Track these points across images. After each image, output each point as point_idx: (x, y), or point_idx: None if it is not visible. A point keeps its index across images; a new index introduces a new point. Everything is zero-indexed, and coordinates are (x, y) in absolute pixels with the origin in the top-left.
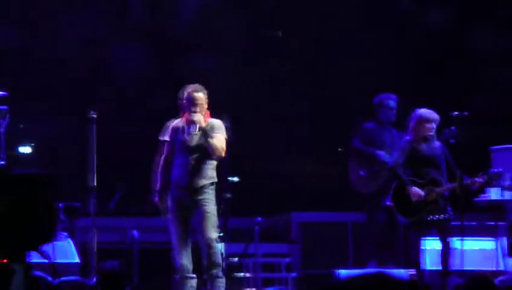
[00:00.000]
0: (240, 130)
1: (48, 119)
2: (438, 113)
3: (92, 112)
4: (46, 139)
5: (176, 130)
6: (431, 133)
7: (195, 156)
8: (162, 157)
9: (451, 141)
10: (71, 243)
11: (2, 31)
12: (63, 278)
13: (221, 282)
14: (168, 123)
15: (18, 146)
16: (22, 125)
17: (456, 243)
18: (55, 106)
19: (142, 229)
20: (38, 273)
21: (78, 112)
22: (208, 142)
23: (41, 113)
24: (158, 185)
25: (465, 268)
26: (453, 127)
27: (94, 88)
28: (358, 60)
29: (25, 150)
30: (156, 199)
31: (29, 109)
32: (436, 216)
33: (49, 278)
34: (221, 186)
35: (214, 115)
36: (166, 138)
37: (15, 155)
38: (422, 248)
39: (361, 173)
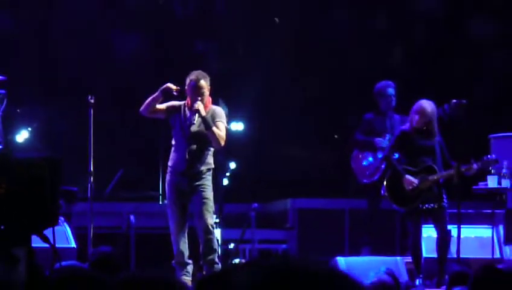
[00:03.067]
0: (239, 116)
1: (46, 103)
2: (437, 101)
3: (89, 97)
4: (44, 124)
5: (178, 110)
6: (428, 125)
7: (194, 142)
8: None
9: (445, 118)
10: (68, 227)
11: None
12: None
13: (218, 268)
14: (176, 101)
15: (15, 130)
16: (19, 110)
17: (452, 230)
18: (53, 91)
19: (139, 214)
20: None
21: (76, 96)
22: (208, 131)
23: (39, 98)
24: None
25: (461, 256)
26: (446, 105)
27: (92, 72)
28: (359, 47)
29: (23, 134)
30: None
31: (27, 93)
32: (431, 205)
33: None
34: (218, 172)
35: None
36: (164, 105)
37: (13, 140)
38: (421, 235)
39: (364, 163)
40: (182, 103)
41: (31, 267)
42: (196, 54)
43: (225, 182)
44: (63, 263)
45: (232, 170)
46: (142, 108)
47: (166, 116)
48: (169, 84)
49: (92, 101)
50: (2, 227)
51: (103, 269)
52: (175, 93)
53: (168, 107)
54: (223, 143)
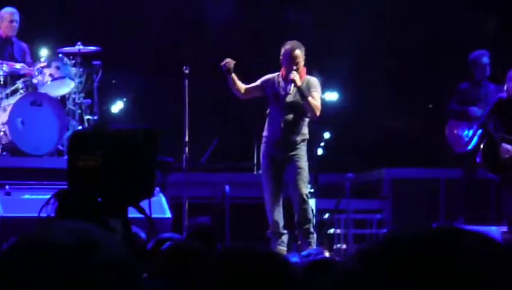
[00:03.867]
0: (333, 86)
1: (141, 74)
2: None
3: (184, 67)
4: (139, 95)
5: (272, 83)
6: None
7: (289, 112)
8: (248, 85)
9: None
10: (163, 198)
11: None
12: (164, 235)
13: (313, 238)
14: (269, 75)
15: (111, 101)
16: (114, 81)
17: None
18: (148, 62)
19: (234, 184)
20: (134, 229)
21: (171, 67)
22: (304, 101)
23: (134, 69)
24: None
25: None
26: None
27: (187, 42)
28: (453, 13)
29: (118, 105)
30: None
31: (122, 64)
32: None
33: (142, 234)
34: (312, 142)
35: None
36: (258, 82)
37: (108, 110)
38: None
39: (459, 132)
40: (275, 74)
41: (127, 239)
42: (289, 23)
43: (319, 152)
44: (162, 235)
45: (327, 139)
46: (236, 95)
47: (263, 93)
48: (225, 61)
49: (187, 71)
50: (99, 199)
51: (201, 240)
52: (233, 63)
53: (262, 84)
54: (318, 113)
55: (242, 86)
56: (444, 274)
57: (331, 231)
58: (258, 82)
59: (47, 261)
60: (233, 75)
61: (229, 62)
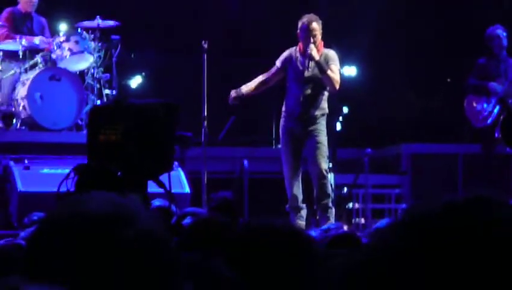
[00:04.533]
0: (352, 60)
1: (159, 49)
2: None
3: (203, 42)
4: (157, 69)
5: (290, 59)
6: None
7: (308, 86)
8: (265, 75)
9: None
10: (182, 173)
11: None
12: (188, 209)
13: (331, 212)
14: (286, 52)
15: (129, 76)
16: (133, 55)
17: None
18: (167, 36)
19: (253, 159)
20: (159, 202)
21: (190, 41)
22: (323, 75)
23: (153, 44)
24: (244, 87)
25: None
26: None
27: (206, 17)
28: None
29: (137, 79)
30: (232, 92)
31: (141, 39)
32: None
33: (173, 208)
34: (331, 116)
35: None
36: (278, 64)
37: (127, 85)
38: None
39: (478, 107)
40: (292, 49)
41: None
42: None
43: (338, 126)
44: (186, 209)
45: (345, 114)
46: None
47: (285, 73)
48: (231, 99)
49: (206, 46)
50: (119, 173)
51: (223, 213)
52: (235, 95)
53: (282, 64)
54: (337, 86)
55: (257, 85)
56: (478, 244)
57: (350, 205)
58: (278, 64)
59: (85, 231)
60: (243, 92)
61: (234, 98)
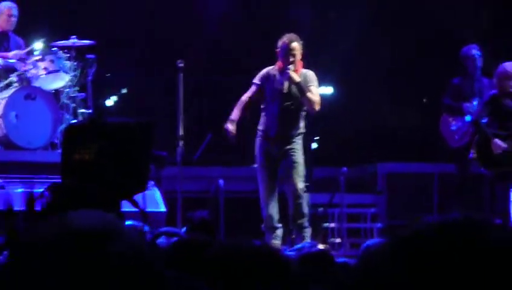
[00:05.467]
0: (328, 80)
1: (135, 68)
2: None
3: (179, 61)
4: (133, 89)
5: (267, 77)
6: None
7: (286, 106)
8: (247, 95)
9: None
10: (158, 192)
11: None
12: (162, 229)
13: (307, 232)
14: (263, 70)
15: (105, 95)
16: (108, 74)
17: None
18: (142, 56)
19: (228, 178)
20: (131, 222)
21: (165, 61)
22: (303, 97)
23: (128, 63)
24: (233, 115)
25: None
26: None
27: (182, 37)
28: (447, 8)
29: (112, 99)
30: (228, 125)
31: (116, 58)
32: None
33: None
34: (307, 136)
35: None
36: (257, 81)
37: (102, 104)
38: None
39: (452, 127)
40: (270, 68)
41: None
42: (285, 17)
43: (314, 146)
44: (161, 229)
45: (321, 134)
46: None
47: (264, 90)
48: (230, 135)
49: (182, 65)
50: (92, 192)
51: (201, 232)
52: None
53: (261, 83)
54: (317, 107)
55: (244, 107)
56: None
57: (325, 225)
58: (257, 81)
59: (76, 247)
60: (235, 120)
61: (232, 130)
